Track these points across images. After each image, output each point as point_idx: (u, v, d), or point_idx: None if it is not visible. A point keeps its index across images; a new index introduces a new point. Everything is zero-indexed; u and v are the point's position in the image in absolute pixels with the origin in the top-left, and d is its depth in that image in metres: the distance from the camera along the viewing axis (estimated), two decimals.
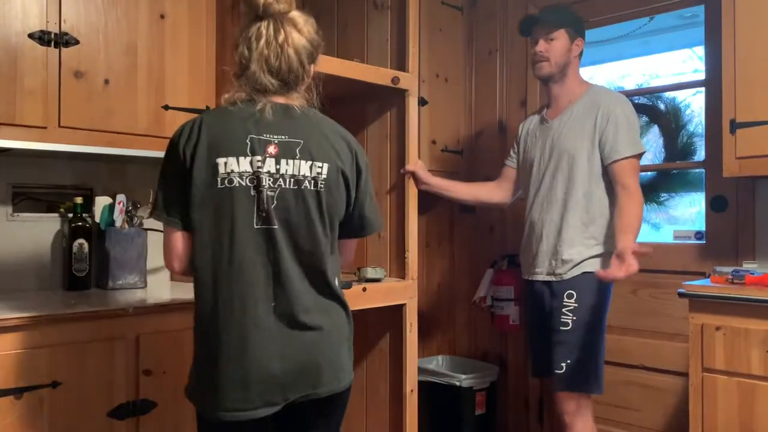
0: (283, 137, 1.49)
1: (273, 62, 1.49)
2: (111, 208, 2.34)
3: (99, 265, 2.34)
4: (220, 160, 1.44)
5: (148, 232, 2.41)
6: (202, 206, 1.46)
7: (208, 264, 1.46)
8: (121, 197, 2.34)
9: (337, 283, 1.57)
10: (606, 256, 2.23)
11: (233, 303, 1.44)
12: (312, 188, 1.49)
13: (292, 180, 1.48)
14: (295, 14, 1.53)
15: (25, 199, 2.32)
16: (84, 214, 2.32)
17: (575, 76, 2.41)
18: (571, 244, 2.28)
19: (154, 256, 2.52)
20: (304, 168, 1.49)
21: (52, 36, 2.03)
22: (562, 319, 2.25)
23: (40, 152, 2.14)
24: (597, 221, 2.28)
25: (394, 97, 2.56)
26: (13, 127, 1.97)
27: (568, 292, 2.26)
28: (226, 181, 1.44)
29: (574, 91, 2.39)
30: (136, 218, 2.38)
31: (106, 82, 2.14)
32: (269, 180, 1.46)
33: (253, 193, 1.45)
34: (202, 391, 1.49)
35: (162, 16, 2.27)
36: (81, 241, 2.29)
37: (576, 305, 2.24)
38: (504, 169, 2.64)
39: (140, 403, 1.95)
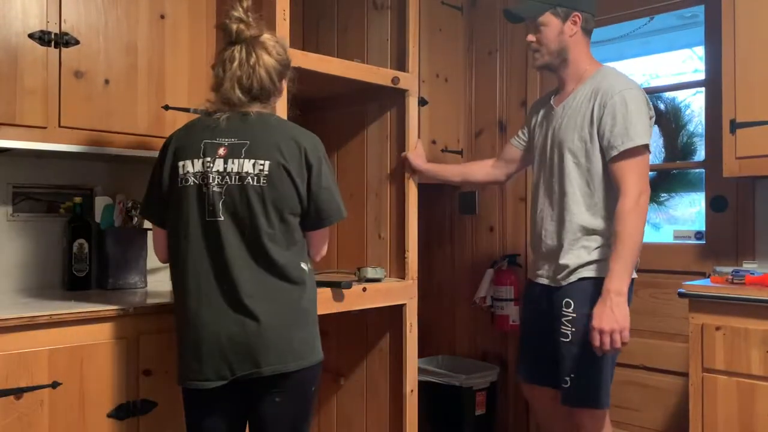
0: (233, 140, 1.69)
1: (245, 81, 1.70)
2: (111, 208, 2.34)
3: (99, 265, 2.34)
4: (180, 163, 1.69)
5: (148, 232, 2.41)
6: (169, 204, 1.71)
7: (173, 252, 1.72)
8: (121, 197, 2.34)
9: (299, 269, 1.73)
10: (603, 263, 2.05)
11: (190, 286, 1.67)
12: (255, 183, 1.65)
13: (236, 177, 1.66)
14: (266, 38, 1.73)
15: (25, 199, 2.32)
16: (84, 214, 2.31)
17: (581, 56, 2.16)
18: (570, 247, 2.10)
19: (154, 257, 2.52)
20: (247, 166, 1.66)
21: (52, 36, 2.03)
22: (562, 330, 2.07)
23: (40, 152, 2.14)
24: (602, 224, 2.07)
25: (394, 97, 2.56)
26: (13, 127, 1.97)
27: (565, 300, 2.08)
28: (183, 181, 1.68)
29: (582, 73, 2.16)
30: (136, 218, 2.38)
31: (106, 82, 2.14)
32: (217, 177, 1.66)
33: (204, 190, 1.66)
34: (178, 363, 1.73)
35: (162, 16, 2.27)
36: (81, 241, 2.29)
37: (574, 315, 2.06)
38: (507, 147, 2.46)
39: (140, 403, 1.95)
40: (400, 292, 2.49)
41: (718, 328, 2.13)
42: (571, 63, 2.16)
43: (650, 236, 3.09)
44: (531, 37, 2.17)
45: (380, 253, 2.60)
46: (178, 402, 2.00)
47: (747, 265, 2.44)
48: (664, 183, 2.93)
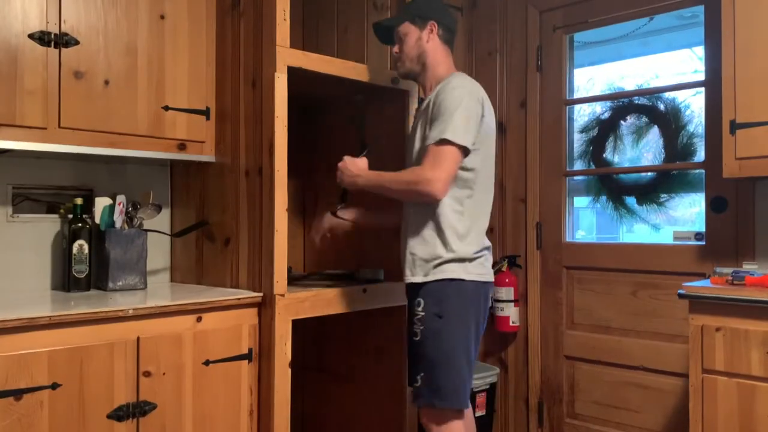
0: None
1: None
2: (111, 209, 2.34)
3: (99, 267, 2.34)
4: None
5: (148, 233, 2.41)
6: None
7: None
8: (121, 198, 2.33)
9: None
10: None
11: None
12: None
13: None
14: None
15: (25, 200, 2.32)
16: (84, 215, 2.31)
17: (438, 63, 2.21)
18: None
19: (154, 257, 2.52)
20: None
21: (52, 36, 2.03)
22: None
23: (40, 153, 2.14)
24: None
25: (394, 97, 2.56)
26: (13, 128, 1.97)
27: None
28: None
29: (439, 79, 2.18)
30: (136, 219, 2.38)
31: (106, 82, 2.14)
32: None
33: None
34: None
35: (162, 17, 2.27)
36: (81, 242, 2.28)
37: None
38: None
39: (140, 404, 1.94)
40: (400, 293, 2.49)
41: (718, 329, 2.13)
42: (429, 68, 2.22)
43: (650, 237, 3.10)
44: (396, 48, 2.26)
45: (380, 253, 2.60)
46: (177, 403, 2.00)
47: (747, 266, 2.44)
48: (664, 184, 2.92)
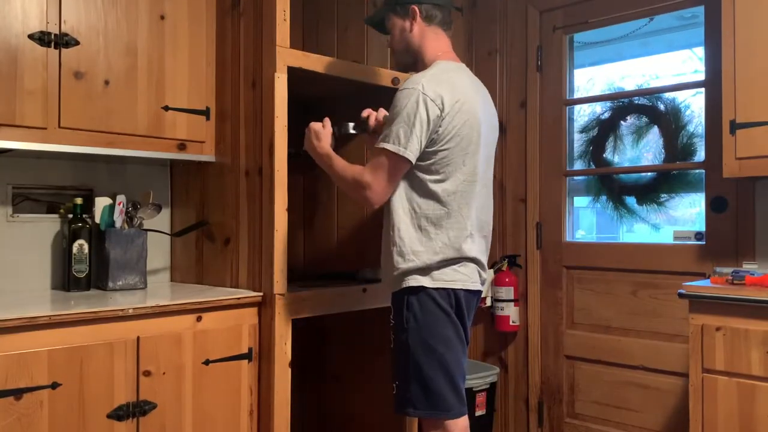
0: None
1: None
2: (111, 208, 2.34)
3: (99, 266, 2.34)
4: None
5: (148, 232, 2.41)
6: None
7: None
8: (121, 198, 2.34)
9: None
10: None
11: None
12: None
13: None
14: None
15: (25, 200, 2.32)
16: (84, 215, 2.31)
17: (430, 50, 2.05)
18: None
19: (154, 257, 2.52)
20: None
21: (52, 37, 2.03)
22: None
23: (40, 153, 2.14)
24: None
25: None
26: (13, 128, 1.97)
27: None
28: None
29: (426, 68, 2.04)
30: (136, 219, 2.38)
31: (106, 82, 2.14)
32: None
33: None
34: None
35: (162, 17, 2.27)
36: (81, 241, 2.28)
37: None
38: None
39: (140, 404, 1.94)
40: None
41: (718, 329, 2.13)
42: (420, 58, 2.07)
43: (650, 237, 3.10)
44: (388, 42, 2.15)
45: (380, 253, 2.60)
46: (177, 403, 2.01)
47: (747, 266, 2.44)
48: (664, 184, 2.93)
